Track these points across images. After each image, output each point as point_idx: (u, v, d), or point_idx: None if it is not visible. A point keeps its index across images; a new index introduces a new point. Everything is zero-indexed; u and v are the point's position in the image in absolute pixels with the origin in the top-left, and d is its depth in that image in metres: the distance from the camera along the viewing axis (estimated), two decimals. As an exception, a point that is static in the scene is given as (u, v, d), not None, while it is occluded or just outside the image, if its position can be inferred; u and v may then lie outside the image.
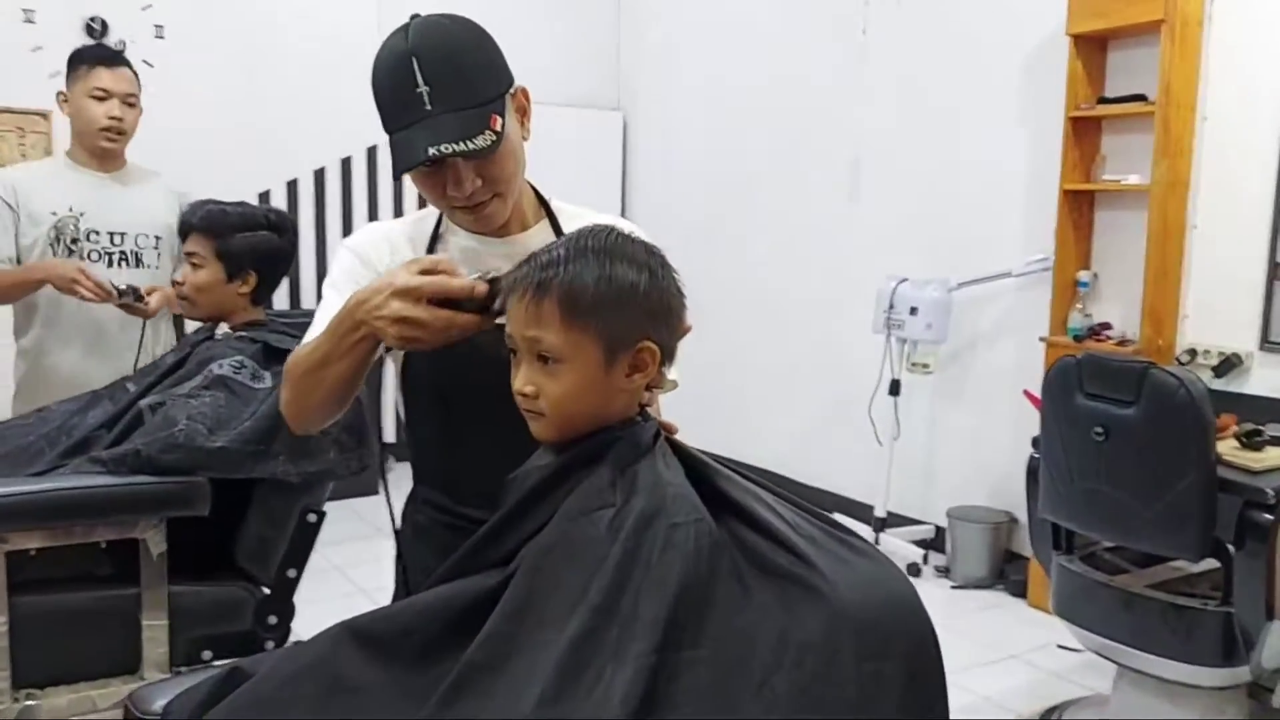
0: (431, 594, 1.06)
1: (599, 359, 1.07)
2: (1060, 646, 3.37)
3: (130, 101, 2.72)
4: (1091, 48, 3.60)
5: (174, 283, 2.24)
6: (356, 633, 1.05)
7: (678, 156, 5.76)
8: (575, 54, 5.99)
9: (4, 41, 4.53)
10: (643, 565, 0.97)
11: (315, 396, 1.30)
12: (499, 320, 1.14)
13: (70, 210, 2.67)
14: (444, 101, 1.25)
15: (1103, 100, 3.60)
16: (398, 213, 5.67)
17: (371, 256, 1.41)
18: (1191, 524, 2.37)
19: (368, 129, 5.48)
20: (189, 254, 2.17)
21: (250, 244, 2.16)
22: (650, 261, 1.10)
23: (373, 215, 5.60)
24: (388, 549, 4.97)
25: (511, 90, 1.34)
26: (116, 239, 2.71)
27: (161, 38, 4.83)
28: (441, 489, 1.42)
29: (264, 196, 5.08)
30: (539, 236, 1.40)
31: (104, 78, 2.66)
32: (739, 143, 5.28)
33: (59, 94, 2.76)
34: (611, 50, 6.19)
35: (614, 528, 1.00)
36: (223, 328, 2.23)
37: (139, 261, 2.74)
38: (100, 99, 2.66)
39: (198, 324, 2.35)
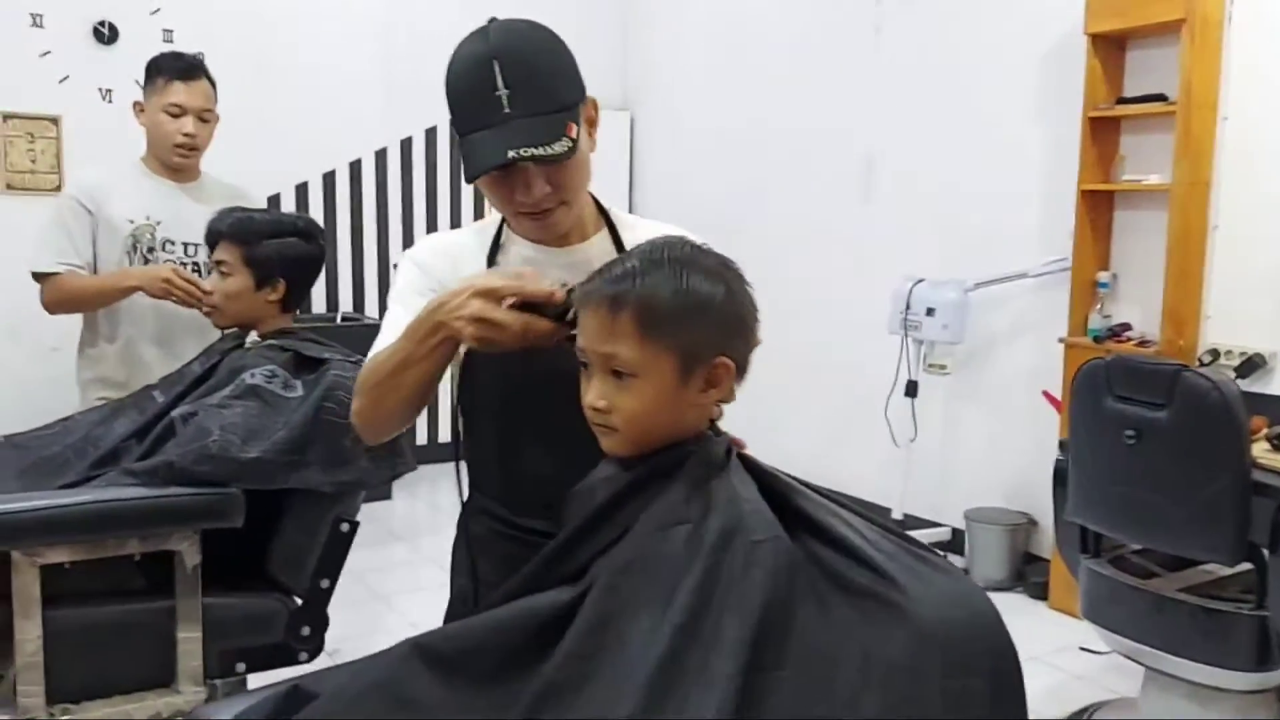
0: (502, 611, 1.04)
1: (674, 374, 1.06)
2: (1083, 649, 3.36)
3: (205, 117, 2.67)
4: (1110, 47, 3.58)
5: (203, 291, 2.22)
6: (425, 651, 1.03)
7: (686, 156, 5.74)
8: (582, 53, 5.82)
9: (13, 46, 4.52)
10: (724, 584, 0.95)
11: (391, 401, 1.30)
12: (573, 331, 1.12)
13: (147, 219, 2.62)
14: (523, 106, 1.25)
15: (1122, 100, 3.58)
16: (406, 217, 5.66)
17: (433, 267, 1.42)
18: (1226, 527, 2.35)
19: (377, 133, 5.50)
20: (217, 262, 2.15)
21: (279, 251, 2.15)
22: (725, 274, 1.08)
23: (381, 219, 5.58)
24: (401, 554, 4.96)
25: (583, 100, 1.34)
26: (191, 250, 2.65)
27: (170, 42, 4.80)
28: (498, 499, 1.41)
29: (273, 200, 5.06)
30: (598, 247, 1.40)
31: (179, 93, 2.61)
32: (749, 142, 5.26)
33: (135, 103, 2.71)
34: (619, 49, 6.18)
35: (691, 545, 0.99)
36: (252, 336, 2.21)
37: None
38: (175, 115, 2.61)
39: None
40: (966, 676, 0.94)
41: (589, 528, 1.06)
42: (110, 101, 4.69)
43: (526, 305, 1.16)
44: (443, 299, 1.21)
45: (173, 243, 2.64)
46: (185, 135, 2.62)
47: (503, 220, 1.44)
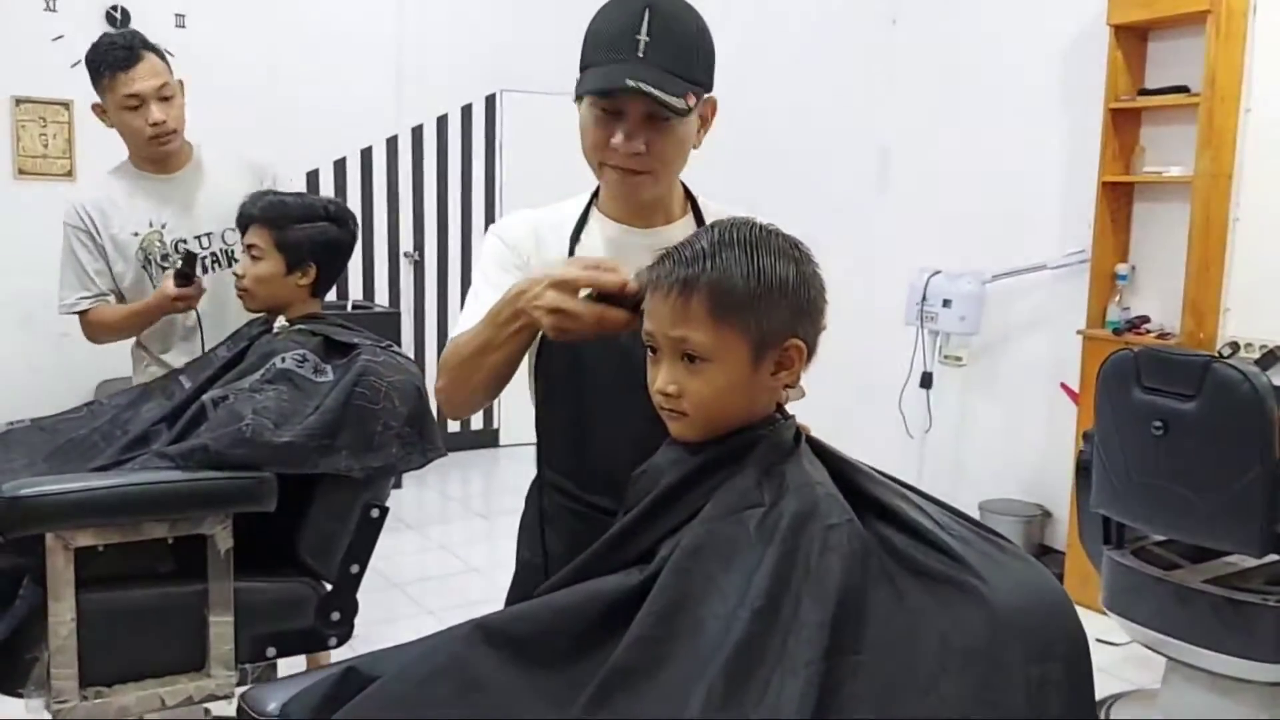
0: (569, 592, 1.03)
1: (747, 357, 1.05)
2: (1100, 640, 3.36)
3: (165, 94, 2.43)
4: (1132, 38, 3.58)
5: (235, 275, 2.20)
6: (490, 632, 1.02)
7: (700, 146, 5.71)
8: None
9: (25, 31, 4.49)
10: (801, 568, 0.95)
11: (474, 382, 1.35)
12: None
13: (150, 225, 2.48)
14: (656, 56, 1.30)
15: (1143, 92, 3.58)
16: (417, 205, 5.64)
17: (519, 243, 1.45)
18: (1255, 519, 2.35)
19: (388, 120, 5.49)
20: (249, 246, 2.14)
21: (310, 235, 2.13)
22: (795, 254, 1.07)
23: (392, 207, 5.57)
24: (413, 543, 4.98)
25: (707, 92, 1.38)
26: (204, 241, 2.51)
27: (183, 26, 4.79)
28: (569, 476, 1.42)
29: (284, 187, 5.05)
30: (682, 230, 1.40)
31: (128, 83, 2.39)
32: (763, 132, 5.24)
33: (94, 106, 2.50)
34: (630, 41, 6.15)
35: (765, 529, 0.98)
36: (280, 320, 2.20)
37: (231, 258, 2.50)
38: (134, 107, 2.41)
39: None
40: (1045, 662, 0.93)
41: (657, 510, 1.05)
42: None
43: (602, 296, 1.18)
44: (522, 287, 1.24)
45: (184, 240, 2.49)
46: (153, 124, 2.42)
47: (590, 201, 1.47)
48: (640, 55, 1.29)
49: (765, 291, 1.03)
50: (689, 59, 1.33)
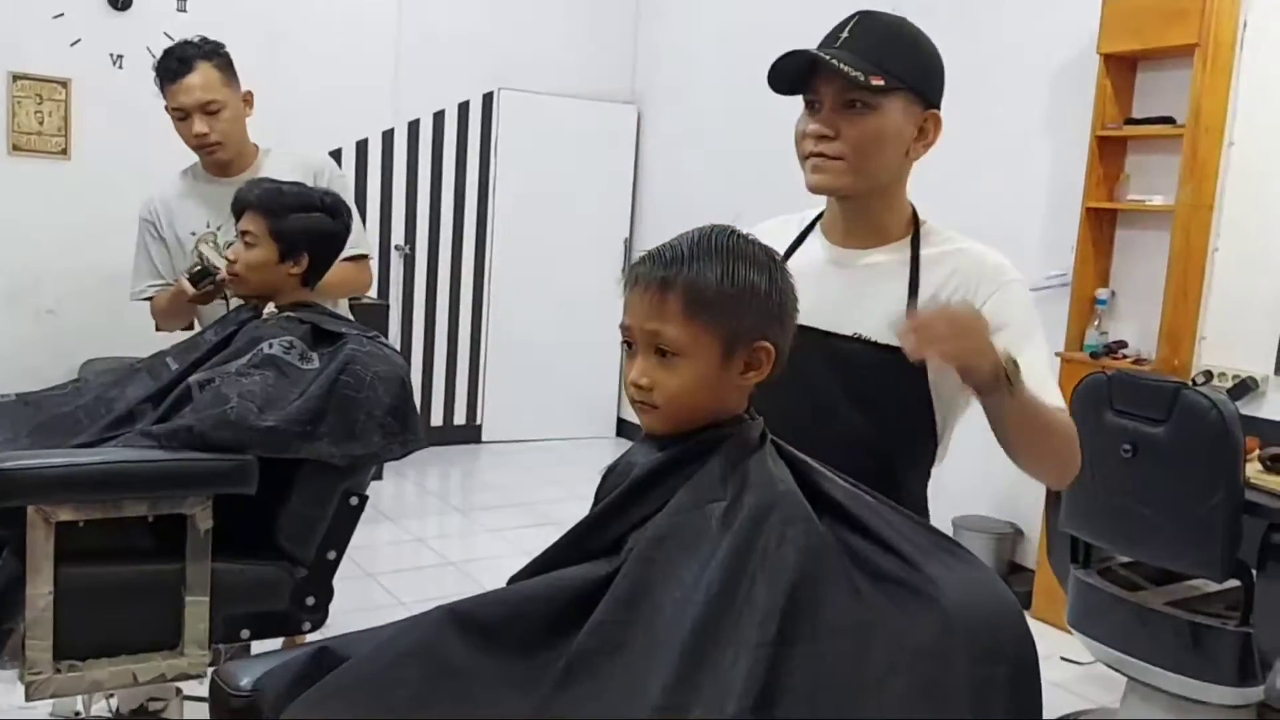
0: (538, 580, 1.07)
1: (717, 355, 1.09)
2: (1064, 659, 3.41)
3: (211, 108, 2.49)
4: (1122, 67, 3.63)
5: (227, 260, 2.23)
6: (461, 617, 1.05)
7: (691, 152, 5.77)
8: (592, 47, 6.00)
9: (25, 7, 4.50)
10: (758, 556, 0.99)
11: None
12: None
13: (207, 226, 2.58)
14: (852, 44, 1.36)
15: (1130, 121, 3.63)
16: (410, 199, 5.67)
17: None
18: (1217, 544, 2.40)
19: (385, 113, 5.51)
20: (243, 232, 2.16)
21: (305, 225, 2.15)
22: (769, 263, 1.12)
23: (385, 201, 5.59)
24: (388, 534, 4.98)
25: (924, 102, 1.42)
26: None
27: (184, 10, 4.80)
28: None
29: (279, 175, 5.06)
30: (893, 254, 1.46)
31: (174, 96, 2.49)
32: (754, 139, 5.28)
33: (166, 108, 2.55)
34: (628, 44, 6.20)
35: (727, 521, 1.02)
36: (269, 307, 2.22)
37: None
38: (181, 119, 2.51)
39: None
40: (992, 665, 0.98)
41: (626, 502, 1.09)
42: (121, 67, 4.68)
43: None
44: None
45: (213, 241, 2.59)
46: (196, 136, 2.51)
47: (816, 217, 1.53)
48: (837, 44, 1.37)
49: (738, 294, 1.08)
50: (889, 51, 1.37)
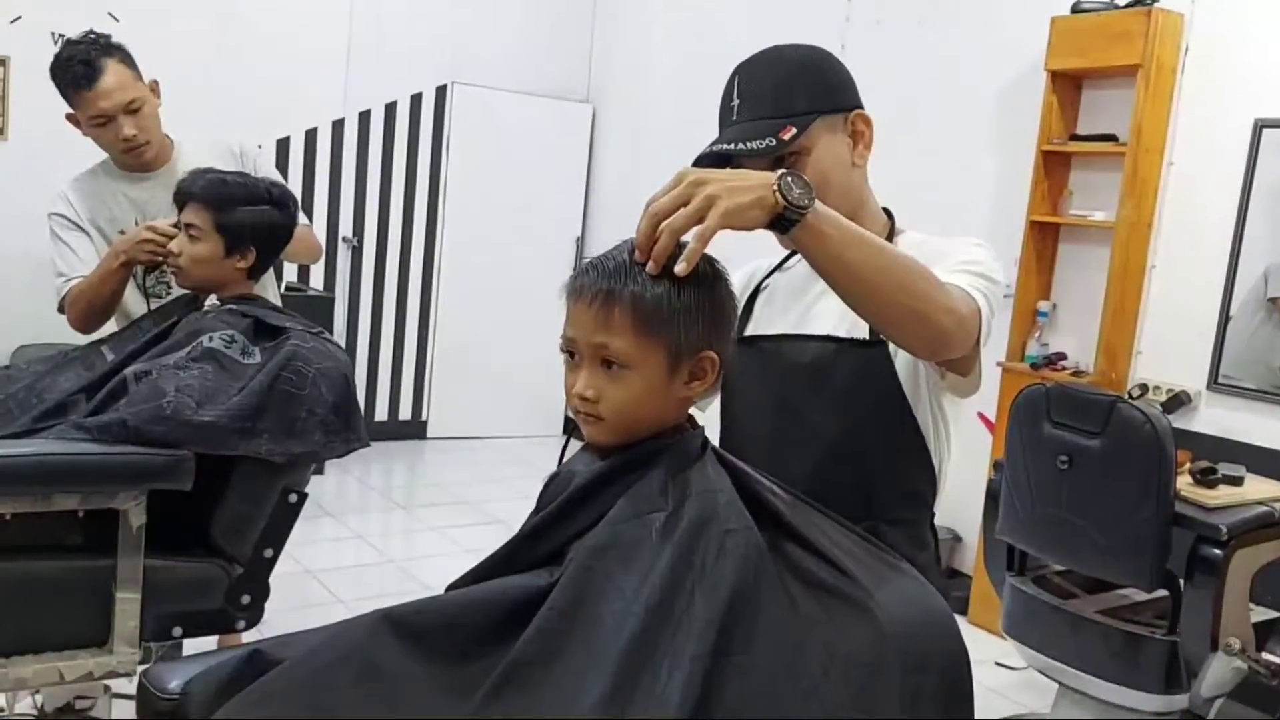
0: (477, 588, 1.06)
1: (664, 366, 1.09)
2: (999, 664, 3.47)
3: (134, 108, 2.37)
4: (1068, 85, 3.70)
5: (169, 253, 2.17)
6: (395, 623, 1.04)
7: (646, 153, 5.77)
8: (547, 45, 5.98)
9: (-38, -18, 4.38)
10: (697, 568, 0.99)
11: None
12: None
13: (136, 224, 2.42)
14: (747, 111, 1.36)
15: (1075, 137, 3.71)
16: (359, 190, 5.61)
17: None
18: (1147, 555, 2.46)
19: (336, 103, 5.44)
20: (187, 225, 2.11)
21: (252, 218, 2.10)
22: (713, 273, 1.12)
23: (334, 191, 5.52)
24: (330, 531, 4.92)
25: (842, 113, 1.40)
26: None
27: (130, -10, 4.70)
28: None
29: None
30: None
31: (91, 102, 2.34)
32: (708, 140, 5.30)
33: (67, 116, 2.42)
34: (584, 43, 6.19)
35: (666, 531, 1.02)
36: (211, 299, 2.18)
37: None
38: (102, 124, 2.37)
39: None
40: (922, 674, 0.99)
41: (566, 512, 1.09)
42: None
43: None
44: None
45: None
46: (124, 140, 2.39)
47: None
48: (734, 119, 1.37)
49: (683, 307, 1.08)
50: (782, 95, 1.37)
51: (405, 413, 5.94)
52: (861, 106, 1.44)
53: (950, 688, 1.02)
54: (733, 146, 1.32)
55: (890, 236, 1.49)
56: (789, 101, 1.36)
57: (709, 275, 1.12)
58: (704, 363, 1.12)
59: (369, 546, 4.34)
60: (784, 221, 1.09)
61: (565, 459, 1.22)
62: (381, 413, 5.84)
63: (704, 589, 0.98)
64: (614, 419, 1.10)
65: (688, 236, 1.05)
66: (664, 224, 1.05)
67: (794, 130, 1.33)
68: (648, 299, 1.06)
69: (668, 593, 0.97)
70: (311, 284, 5.47)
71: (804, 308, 1.45)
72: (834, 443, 1.35)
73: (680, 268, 1.04)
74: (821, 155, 1.37)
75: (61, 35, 4.53)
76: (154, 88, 2.49)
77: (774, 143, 1.32)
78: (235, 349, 2.02)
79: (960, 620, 3.90)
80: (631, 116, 5.96)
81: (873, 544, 1.11)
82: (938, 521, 4.46)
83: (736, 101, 1.37)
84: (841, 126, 1.41)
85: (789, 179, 1.08)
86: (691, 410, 1.27)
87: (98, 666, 1.88)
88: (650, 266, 1.06)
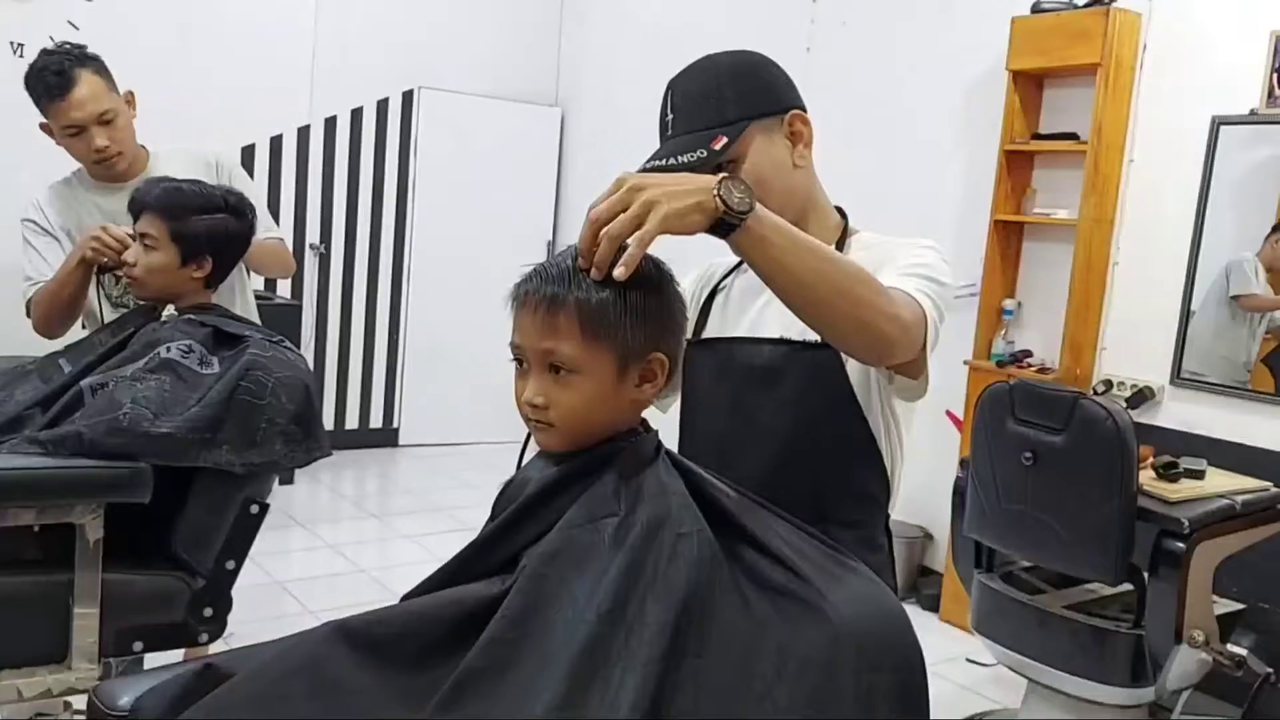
0: (429, 598, 1.06)
1: (612, 370, 1.09)
2: (970, 660, 3.49)
3: (107, 119, 2.37)
4: (1029, 84, 3.73)
5: (123, 263, 2.14)
6: (349, 634, 1.03)
7: (615, 156, 5.76)
8: (515, 49, 5.97)
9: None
10: (649, 573, 0.99)
11: None
12: None
13: None
14: (681, 125, 1.36)
15: (1037, 136, 3.74)
16: (326, 197, 5.57)
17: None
18: (1111, 549, 2.48)
19: (301, 109, 5.40)
20: (142, 234, 2.08)
21: (208, 228, 2.08)
22: (659, 275, 1.12)
23: (300, 198, 5.48)
24: (300, 540, 4.88)
25: (777, 115, 1.40)
26: None
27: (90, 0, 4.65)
28: None
29: (189, 171, 4.93)
30: None
31: (63, 113, 2.34)
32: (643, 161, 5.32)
33: (41, 125, 2.42)
34: (552, 47, 6.18)
35: (619, 536, 1.02)
36: (169, 309, 2.16)
37: None
38: (74, 134, 2.36)
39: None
40: (875, 673, 0.99)
41: (520, 519, 1.08)
42: (21, 56, 4.50)
43: None
44: None
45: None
46: (96, 151, 2.38)
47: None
48: (669, 134, 1.37)
49: (629, 310, 1.07)
50: (713, 106, 1.36)
51: (376, 420, 5.91)
52: (800, 106, 1.43)
53: (905, 686, 1.02)
54: (664, 162, 1.32)
55: (844, 236, 1.50)
56: (720, 110, 1.36)
57: (654, 277, 1.11)
58: (654, 365, 1.11)
59: (341, 556, 4.31)
60: (724, 226, 1.08)
61: (525, 462, 1.21)
62: (352, 420, 5.81)
63: (656, 593, 0.98)
64: (564, 425, 1.10)
65: (629, 240, 1.05)
66: (603, 231, 1.04)
67: (725, 139, 1.33)
68: (593, 303, 1.06)
69: (620, 598, 0.97)
70: (279, 292, 5.43)
71: (757, 310, 1.46)
72: (786, 444, 1.36)
73: (618, 272, 1.04)
74: (758, 160, 1.37)
75: (20, 45, 4.51)
76: (129, 99, 2.48)
77: (705, 154, 1.32)
78: (193, 359, 2.00)
79: (932, 617, 3.95)
80: (601, 119, 5.95)
81: (825, 544, 1.11)
82: (910, 519, 4.49)
83: (670, 116, 1.38)
84: (778, 129, 1.40)
85: (729, 183, 1.08)
86: (652, 412, 1.27)
87: (56, 684, 1.86)
88: (593, 273, 1.06)
